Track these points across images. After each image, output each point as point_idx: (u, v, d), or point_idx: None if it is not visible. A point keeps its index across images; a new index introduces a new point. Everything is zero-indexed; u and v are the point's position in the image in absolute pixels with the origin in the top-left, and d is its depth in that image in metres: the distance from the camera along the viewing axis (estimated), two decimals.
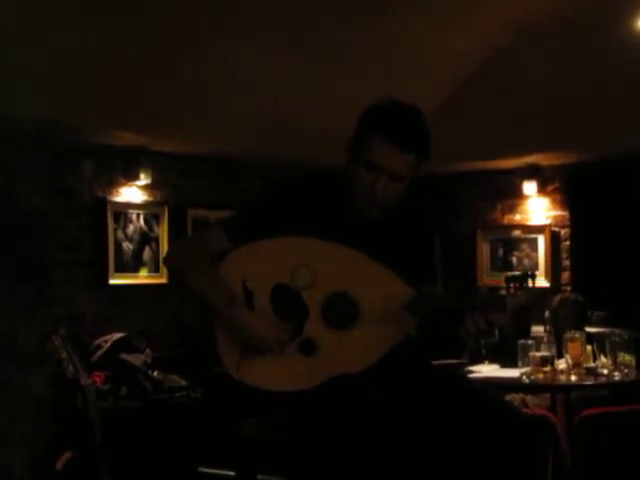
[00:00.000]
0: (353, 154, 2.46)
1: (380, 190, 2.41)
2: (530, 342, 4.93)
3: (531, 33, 5.22)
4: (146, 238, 6.45)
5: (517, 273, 2.43)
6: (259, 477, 2.66)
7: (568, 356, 4.81)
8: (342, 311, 2.46)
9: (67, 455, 5.00)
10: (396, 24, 4.91)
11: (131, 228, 6.36)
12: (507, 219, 7.70)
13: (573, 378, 4.75)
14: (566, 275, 7.40)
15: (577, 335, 4.85)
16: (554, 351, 4.84)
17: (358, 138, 2.46)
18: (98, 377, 5.49)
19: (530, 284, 2.37)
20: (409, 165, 2.42)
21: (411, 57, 5.34)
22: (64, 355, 3.94)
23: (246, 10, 4.49)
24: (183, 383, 5.73)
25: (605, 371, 4.77)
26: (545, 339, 4.91)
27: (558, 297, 5.57)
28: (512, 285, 2.36)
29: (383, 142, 2.39)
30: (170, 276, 6.00)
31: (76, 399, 4.62)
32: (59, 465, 4.98)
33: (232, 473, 2.85)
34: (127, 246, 6.32)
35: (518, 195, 7.54)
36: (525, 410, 4.61)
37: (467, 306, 2.34)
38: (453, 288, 2.58)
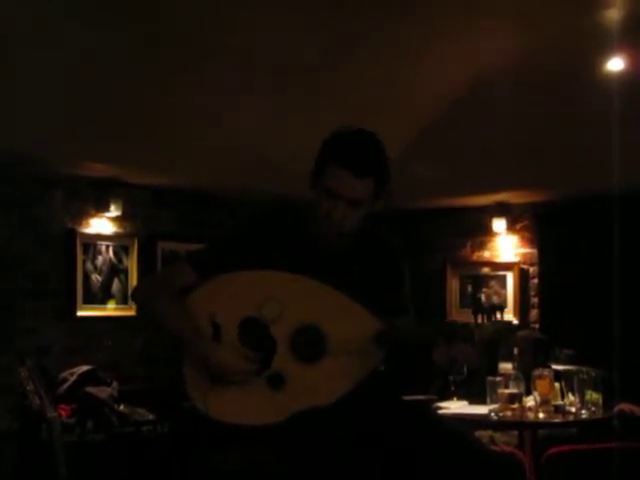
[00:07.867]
0: (314, 183, 2.47)
1: (339, 217, 2.41)
2: (499, 379, 4.93)
3: (500, 73, 5.28)
4: (115, 270, 6.42)
5: (486, 305, 2.44)
6: None
7: (536, 393, 4.82)
8: (310, 344, 2.45)
9: None
10: (364, 62, 4.94)
11: (100, 260, 6.33)
12: (476, 256, 7.74)
13: (541, 415, 4.76)
14: (534, 312, 7.43)
15: (545, 373, 4.86)
16: (522, 388, 4.85)
17: (317, 167, 2.47)
18: (64, 410, 5.43)
19: (498, 316, 2.38)
20: (366, 190, 2.42)
21: (381, 95, 5.37)
22: (30, 387, 3.89)
23: (214, 43, 4.51)
24: (150, 417, 5.68)
25: (573, 409, 4.78)
26: (513, 376, 4.92)
27: (519, 335, 5.56)
28: (480, 316, 2.38)
29: (337, 168, 2.39)
30: (138, 310, 5.95)
31: (41, 432, 4.57)
32: None
33: None
34: (96, 278, 6.28)
35: (487, 232, 7.60)
36: (493, 447, 4.61)
37: (436, 337, 2.35)
38: (422, 321, 2.58)
